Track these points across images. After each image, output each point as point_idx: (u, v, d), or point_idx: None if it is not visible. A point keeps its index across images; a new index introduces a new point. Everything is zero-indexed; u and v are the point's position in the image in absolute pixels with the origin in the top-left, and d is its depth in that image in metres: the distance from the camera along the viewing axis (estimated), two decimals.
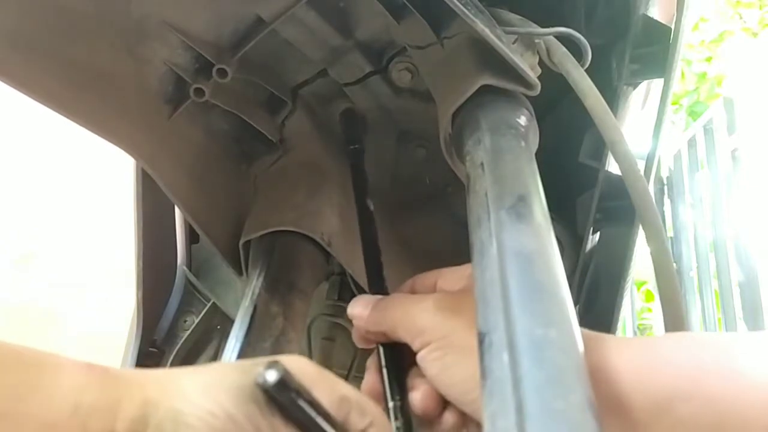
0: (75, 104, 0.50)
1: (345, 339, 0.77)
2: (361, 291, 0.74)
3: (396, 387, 0.42)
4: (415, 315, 0.42)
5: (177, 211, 0.76)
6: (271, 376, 0.30)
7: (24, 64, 0.47)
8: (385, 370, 0.43)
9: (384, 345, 0.44)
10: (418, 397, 0.41)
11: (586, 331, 0.37)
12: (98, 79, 0.52)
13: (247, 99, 0.60)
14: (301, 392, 0.31)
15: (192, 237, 0.78)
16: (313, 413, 0.31)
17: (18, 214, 2.34)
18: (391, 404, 0.41)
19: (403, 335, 0.42)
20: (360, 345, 0.47)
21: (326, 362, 0.77)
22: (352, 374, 0.79)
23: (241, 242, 0.60)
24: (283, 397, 0.30)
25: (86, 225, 2.30)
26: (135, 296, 0.75)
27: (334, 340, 0.77)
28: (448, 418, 0.42)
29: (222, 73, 0.54)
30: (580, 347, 0.27)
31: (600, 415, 0.24)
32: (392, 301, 0.45)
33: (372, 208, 0.55)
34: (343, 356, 0.78)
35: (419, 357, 0.41)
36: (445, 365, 0.39)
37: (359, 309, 0.46)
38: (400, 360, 0.43)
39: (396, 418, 0.40)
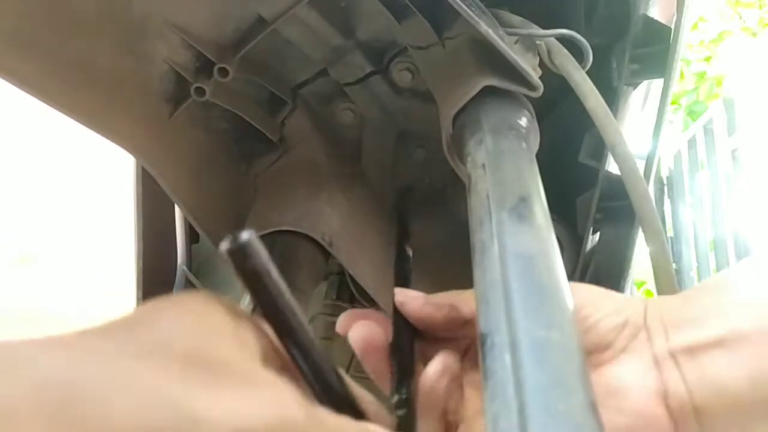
0: (76, 102, 0.51)
1: (343, 338, 0.76)
2: (361, 291, 0.74)
3: (403, 381, 0.40)
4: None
5: (177, 210, 0.76)
6: (244, 237, 0.26)
7: (25, 62, 0.47)
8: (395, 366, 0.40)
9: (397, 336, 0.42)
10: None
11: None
12: (99, 78, 0.52)
13: (247, 98, 0.60)
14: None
15: (192, 237, 0.78)
16: (282, 284, 0.28)
17: (18, 214, 2.34)
18: (395, 398, 0.40)
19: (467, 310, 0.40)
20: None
21: None
22: (350, 373, 0.79)
23: None
24: (255, 260, 0.27)
25: (86, 225, 2.30)
26: (135, 296, 0.75)
27: (332, 339, 0.77)
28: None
29: (223, 72, 0.54)
30: (582, 349, 0.27)
31: (601, 416, 0.24)
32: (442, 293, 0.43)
33: (410, 254, 0.53)
34: (341, 355, 0.78)
35: None
36: None
37: (411, 293, 0.42)
38: (410, 353, 0.41)
39: (399, 409, 0.38)
